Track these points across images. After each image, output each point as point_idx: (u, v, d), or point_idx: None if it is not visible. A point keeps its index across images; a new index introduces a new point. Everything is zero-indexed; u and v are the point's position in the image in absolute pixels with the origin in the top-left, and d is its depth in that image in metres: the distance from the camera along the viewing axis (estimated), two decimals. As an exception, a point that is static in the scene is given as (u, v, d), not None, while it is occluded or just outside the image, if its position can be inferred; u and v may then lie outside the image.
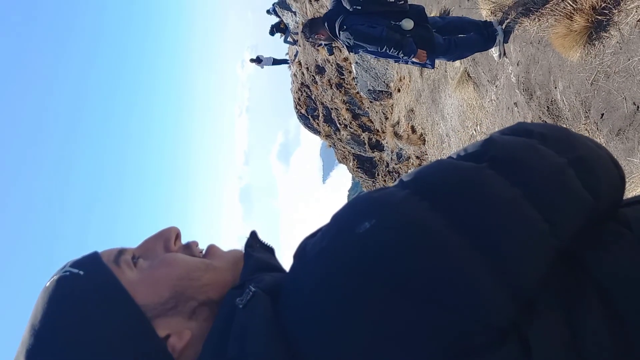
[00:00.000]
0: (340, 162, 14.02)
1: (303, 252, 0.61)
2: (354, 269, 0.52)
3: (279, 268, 0.73)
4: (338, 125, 12.54)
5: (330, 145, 13.92)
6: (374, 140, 11.39)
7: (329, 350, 0.51)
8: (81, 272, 0.61)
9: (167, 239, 0.68)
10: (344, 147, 12.94)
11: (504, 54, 3.91)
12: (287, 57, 12.76)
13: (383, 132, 10.27)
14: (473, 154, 0.62)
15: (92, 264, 0.62)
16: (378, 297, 0.50)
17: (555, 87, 3.10)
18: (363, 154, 12.14)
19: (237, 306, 0.57)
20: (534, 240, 0.53)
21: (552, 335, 0.53)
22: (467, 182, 0.56)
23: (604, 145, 2.52)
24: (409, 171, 0.63)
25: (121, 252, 0.64)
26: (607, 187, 0.60)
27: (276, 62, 13.67)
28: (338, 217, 0.60)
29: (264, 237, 0.74)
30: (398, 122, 8.71)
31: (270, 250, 0.76)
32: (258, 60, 13.06)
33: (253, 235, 0.75)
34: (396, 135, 8.78)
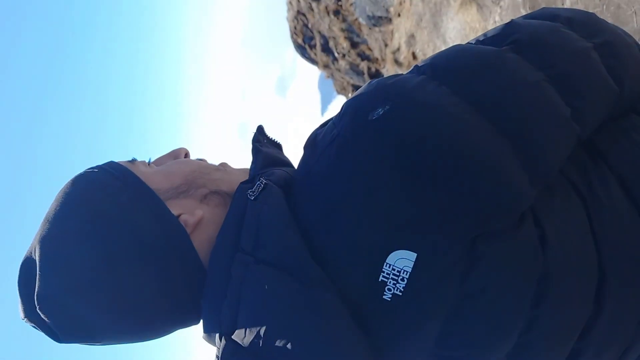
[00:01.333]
0: (339, 93, 13.82)
1: (314, 141, 0.60)
2: (368, 156, 0.51)
3: (288, 163, 0.73)
4: (336, 54, 12.23)
5: (329, 77, 13.66)
6: (373, 69, 11.15)
7: (343, 237, 0.51)
8: (95, 170, 0.62)
9: (177, 154, 0.70)
10: (342, 78, 12.70)
11: (510, -30, 3.75)
12: None
13: (383, 60, 10.04)
14: (494, 38, 0.60)
15: (105, 163, 0.63)
16: (393, 183, 0.50)
17: (563, 3, 3.00)
18: (362, 84, 11.93)
19: (249, 198, 0.58)
20: (556, 124, 0.53)
21: (568, 219, 0.54)
22: (489, 65, 0.54)
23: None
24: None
25: (135, 159, 0.66)
26: (632, 76, 0.59)
27: None
28: (349, 105, 0.58)
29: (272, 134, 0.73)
30: (398, 49, 8.49)
31: (278, 146, 0.76)
32: None
33: (260, 130, 0.73)
34: (396, 62, 8.58)
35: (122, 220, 0.57)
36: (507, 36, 0.59)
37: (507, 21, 0.62)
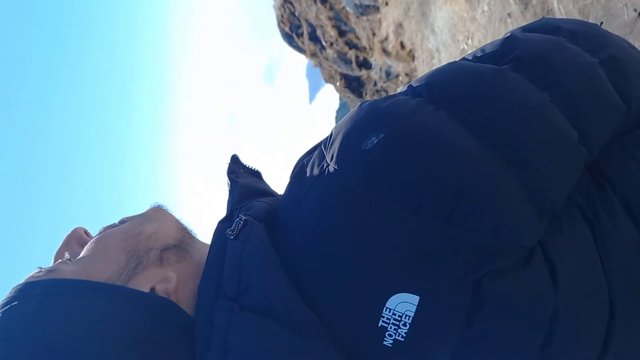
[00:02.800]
0: (327, 82, 13.73)
1: (301, 171, 0.54)
2: (361, 190, 0.46)
3: (268, 192, 0.66)
4: (324, 43, 12.13)
5: (316, 65, 13.56)
6: (361, 58, 11.09)
7: (337, 280, 0.46)
8: (14, 303, 0.48)
9: (78, 236, 0.60)
10: (330, 66, 12.61)
11: (499, -40, 3.70)
12: None
13: (371, 49, 9.98)
14: (493, 54, 0.55)
15: (19, 291, 0.50)
16: (390, 218, 0.45)
17: (553, -5, 2.97)
18: (350, 73, 11.87)
19: (228, 238, 0.52)
20: (564, 150, 0.48)
21: (577, 250, 0.49)
22: (489, 87, 0.50)
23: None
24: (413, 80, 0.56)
25: (41, 267, 0.55)
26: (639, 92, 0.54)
27: None
28: (340, 132, 0.52)
29: (249, 160, 0.66)
30: (386, 38, 8.43)
31: (256, 174, 0.69)
32: None
33: (234, 159, 0.67)
34: (384, 51, 8.53)
35: (101, 335, 0.47)
36: (507, 53, 0.54)
37: (506, 35, 0.57)
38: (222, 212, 0.61)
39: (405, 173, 0.46)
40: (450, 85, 0.51)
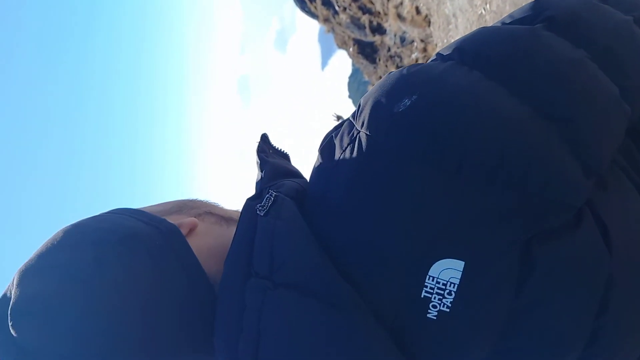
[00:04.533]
0: (339, 47, 13.51)
1: (329, 144, 0.52)
2: (398, 155, 0.44)
3: (297, 174, 0.64)
4: (336, 7, 11.87)
5: (329, 30, 13.31)
6: (375, 23, 10.85)
7: (375, 250, 0.44)
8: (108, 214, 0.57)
9: None
10: (343, 32, 12.37)
11: None
12: None
13: (385, 14, 9.75)
14: (523, 19, 0.54)
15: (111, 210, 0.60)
16: (431, 182, 0.43)
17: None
18: (364, 39, 11.64)
19: (259, 214, 0.50)
20: (607, 105, 0.47)
21: (627, 212, 0.48)
22: (523, 46, 0.48)
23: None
24: (413, 59, 0.54)
25: None
26: None
27: None
28: (369, 99, 0.50)
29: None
30: (401, 3, 8.22)
31: (285, 156, 0.68)
32: None
33: (264, 138, 0.66)
34: (399, 17, 8.33)
35: (115, 232, 0.52)
36: (538, 14, 0.52)
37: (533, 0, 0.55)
38: (235, 185, 0.62)
39: (442, 133, 0.44)
40: (483, 47, 0.50)
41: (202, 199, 0.65)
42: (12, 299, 0.47)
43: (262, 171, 0.60)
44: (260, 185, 0.58)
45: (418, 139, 0.44)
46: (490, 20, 4.98)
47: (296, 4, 14.01)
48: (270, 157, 0.64)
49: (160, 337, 0.50)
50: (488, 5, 5.06)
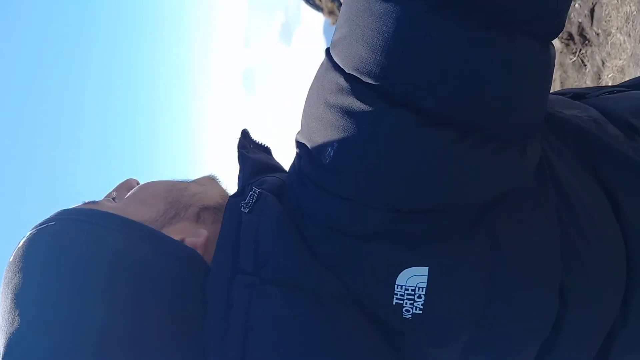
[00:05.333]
0: (344, 40, 13.44)
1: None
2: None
3: (279, 168, 0.64)
4: (341, 0, 11.81)
5: (334, 23, 13.25)
6: (380, 15, 10.79)
7: (346, 257, 0.47)
8: (51, 223, 0.50)
9: (130, 185, 0.61)
10: (348, 25, 12.31)
11: None
12: None
13: (390, 6, 9.68)
14: None
15: (59, 213, 0.52)
16: (376, 217, 0.45)
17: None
18: (369, 31, 11.58)
19: (242, 212, 0.51)
20: None
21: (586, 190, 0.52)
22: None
23: (633, 13, 2.35)
24: None
25: (86, 201, 0.56)
26: None
27: None
28: (301, 142, 0.51)
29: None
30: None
31: (266, 150, 0.68)
32: None
33: (245, 134, 0.66)
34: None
35: (117, 265, 0.47)
36: None
37: None
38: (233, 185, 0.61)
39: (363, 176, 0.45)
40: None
41: (186, 182, 0.61)
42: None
43: (243, 167, 0.61)
44: (243, 182, 0.59)
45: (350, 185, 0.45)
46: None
47: (300, -4, 13.93)
48: (252, 152, 0.64)
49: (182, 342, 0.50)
50: None
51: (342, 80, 0.44)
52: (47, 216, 0.52)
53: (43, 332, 0.44)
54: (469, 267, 0.45)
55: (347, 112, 0.43)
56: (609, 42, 2.70)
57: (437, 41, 0.40)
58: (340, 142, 0.43)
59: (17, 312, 0.44)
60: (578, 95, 0.64)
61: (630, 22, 2.39)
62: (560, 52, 3.29)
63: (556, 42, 3.37)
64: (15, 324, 0.44)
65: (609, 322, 0.51)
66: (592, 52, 2.95)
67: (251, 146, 0.67)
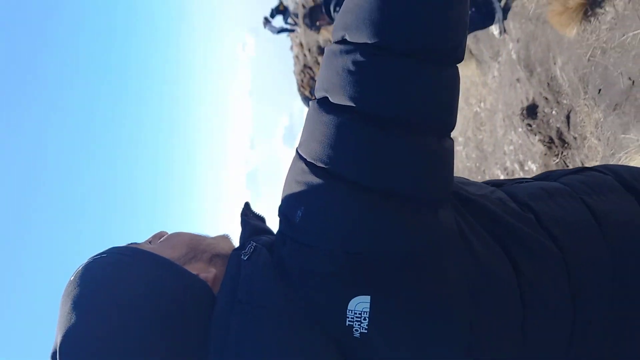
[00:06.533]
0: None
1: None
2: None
3: (269, 232, 0.84)
4: (343, 106, 12.44)
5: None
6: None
7: (311, 291, 0.63)
8: (104, 255, 0.70)
9: (161, 235, 0.80)
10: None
11: (504, 31, 3.93)
12: (289, 26, 12.42)
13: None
14: None
15: (110, 249, 0.72)
16: (335, 259, 0.62)
17: (555, 64, 3.13)
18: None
19: (242, 259, 0.69)
20: None
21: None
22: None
23: (601, 120, 2.58)
24: None
25: (132, 243, 0.76)
26: None
27: (281, 31, 13.19)
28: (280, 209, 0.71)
29: (271, 219, 0.85)
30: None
31: (262, 219, 0.87)
32: (267, 21, 12.38)
33: (247, 205, 0.86)
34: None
35: (152, 290, 0.65)
36: None
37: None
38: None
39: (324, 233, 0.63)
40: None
41: (205, 236, 0.80)
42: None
43: (244, 229, 0.80)
44: (243, 240, 0.78)
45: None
46: (485, 117, 5.25)
47: (304, 103, 14.76)
48: (251, 219, 0.84)
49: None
50: (482, 104, 5.37)
51: (304, 166, 0.65)
52: (100, 251, 0.72)
53: (93, 327, 0.62)
54: (402, 300, 0.60)
55: (308, 185, 0.64)
56: (586, 146, 2.90)
57: (360, 138, 0.61)
58: (305, 205, 0.64)
59: (74, 313, 0.63)
60: (497, 184, 0.83)
61: (599, 127, 2.60)
62: (545, 155, 3.51)
63: (539, 145, 3.60)
64: (72, 321, 0.62)
65: (513, 344, 0.67)
66: (572, 154, 3.16)
67: (251, 215, 0.86)
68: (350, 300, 0.60)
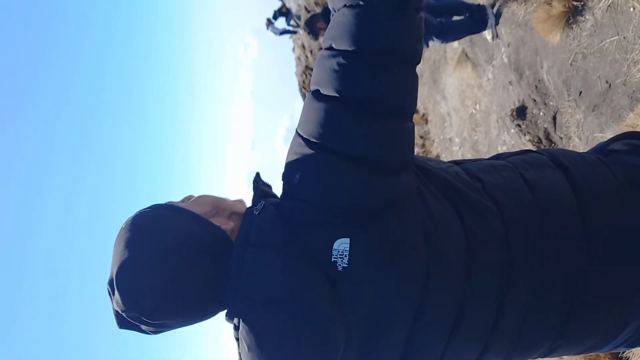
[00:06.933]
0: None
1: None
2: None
3: (276, 196, 1.03)
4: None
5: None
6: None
7: (304, 234, 0.82)
8: (148, 209, 0.90)
9: (190, 197, 1.00)
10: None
11: (497, 36, 4.10)
12: (291, 28, 12.56)
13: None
14: None
15: (153, 205, 0.92)
16: (321, 218, 0.81)
17: (542, 67, 3.30)
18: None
19: (254, 214, 0.88)
20: None
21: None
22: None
23: (582, 120, 2.74)
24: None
25: (170, 201, 0.97)
26: None
27: (283, 32, 13.32)
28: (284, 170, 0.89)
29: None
30: (401, 103, 8.79)
31: (269, 187, 1.07)
32: (270, 22, 12.51)
33: (257, 175, 1.04)
34: (400, 115, 8.87)
35: (184, 234, 0.85)
36: None
37: None
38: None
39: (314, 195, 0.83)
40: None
41: (223, 198, 1.00)
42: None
43: (255, 193, 0.99)
44: (254, 200, 0.97)
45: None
46: (480, 119, 5.41)
47: (306, 104, 14.87)
48: (261, 185, 1.03)
49: (199, 290, 0.86)
50: (478, 105, 5.54)
51: (301, 141, 0.85)
52: (145, 206, 0.93)
53: (142, 260, 0.82)
54: (373, 241, 0.80)
55: (304, 155, 0.83)
56: (570, 145, 3.07)
57: (343, 120, 0.81)
58: (302, 170, 0.83)
59: (127, 250, 0.83)
60: (457, 162, 1.02)
61: (580, 127, 2.78)
62: (533, 154, 3.66)
63: (529, 145, 3.77)
64: (125, 256, 0.83)
65: (459, 290, 0.84)
66: (558, 153, 3.32)
67: (261, 182, 1.04)
68: (334, 241, 0.79)
